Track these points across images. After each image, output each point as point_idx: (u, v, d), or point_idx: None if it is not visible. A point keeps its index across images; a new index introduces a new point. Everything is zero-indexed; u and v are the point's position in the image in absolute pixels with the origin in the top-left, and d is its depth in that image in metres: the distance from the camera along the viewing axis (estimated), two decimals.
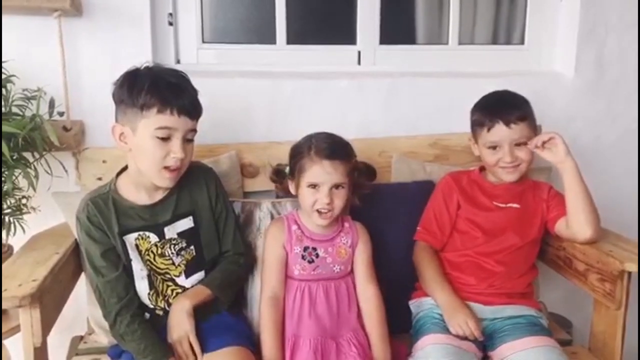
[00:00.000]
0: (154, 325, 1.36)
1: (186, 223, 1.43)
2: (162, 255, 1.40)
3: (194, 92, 1.36)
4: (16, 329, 1.41)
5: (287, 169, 1.51)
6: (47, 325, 1.30)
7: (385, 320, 1.46)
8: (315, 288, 1.45)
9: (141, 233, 1.38)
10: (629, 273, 1.39)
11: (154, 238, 1.39)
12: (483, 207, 1.58)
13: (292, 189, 1.49)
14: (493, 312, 1.49)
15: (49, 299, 1.29)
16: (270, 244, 1.48)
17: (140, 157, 1.33)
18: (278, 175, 1.55)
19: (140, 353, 1.30)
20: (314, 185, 1.41)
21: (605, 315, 1.47)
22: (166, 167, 1.32)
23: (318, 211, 1.42)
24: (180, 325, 1.33)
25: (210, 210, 1.47)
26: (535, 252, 1.61)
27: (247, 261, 1.52)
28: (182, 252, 1.42)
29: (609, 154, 2.08)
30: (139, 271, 1.38)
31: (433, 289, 1.50)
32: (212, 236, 1.47)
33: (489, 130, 1.54)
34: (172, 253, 1.41)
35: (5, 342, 1.50)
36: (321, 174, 1.40)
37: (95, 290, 1.37)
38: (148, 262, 1.39)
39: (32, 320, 1.24)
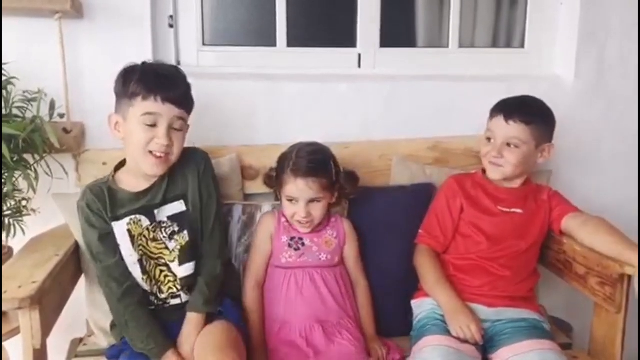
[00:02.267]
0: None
1: (177, 207, 1.45)
2: (154, 239, 1.42)
3: (183, 85, 1.40)
4: (16, 331, 1.41)
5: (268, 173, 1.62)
6: (46, 327, 1.30)
7: (373, 308, 1.57)
8: (302, 275, 1.51)
9: (133, 217, 1.41)
10: (629, 277, 1.39)
11: (145, 221, 1.42)
12: (487, 212, 1.58)
13: (278, 195, 1.59)
14: (495, 313, 1.48)
15: (49, 301, 1.29)
16: (259, 237, 1.58)
17: (129, 143, 1.38)
18: (269, 180, 1.63)
19: (144, 340, 1.33)
20: (291, 199, 1.51)
21: (606, 319, 1.47)
22: (151, 153, 1.36)
23: (298, 221, 1.52)
24: None
25: (199, 196, 1.47)
26: (537, 255, 1.61)
27: (224, 263, 1.50)
28: (175, 237, 1.44)
29: (609, 157, 2.08)
30: (129, 257, 1.41)
31: (435, 292, 1.50)
32: (208, 224, 1.49)
33: (491, 119, 1.58)
34: (164, 237, 1.43)
35: (4, 344, 1.50)
36: (295, 191, 1.49)
37: (100, 281, 1.42)
38: (141, 247, 1.41)
39: (31, 322, 1.24)
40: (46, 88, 1.58)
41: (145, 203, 1.42)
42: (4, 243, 1.55)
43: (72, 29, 1.64)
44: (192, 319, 1.40)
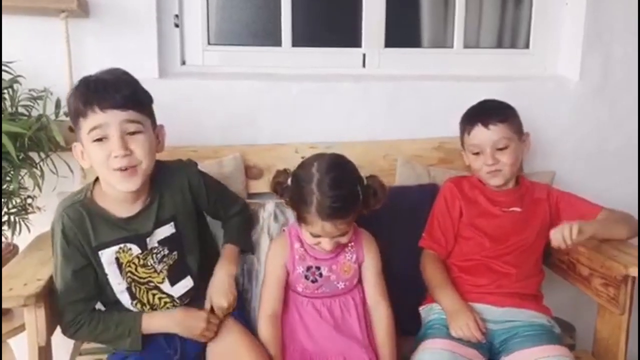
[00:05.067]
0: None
1: (167, 230, 1.36)
2: (144, 265, 1.34)
3: (124, 85, 1.23)
4: (21, 328, 1.42)
5: (287, 183, 1.40)
6: (51, 324, 1.31)
7: (395, 341, 1.44)
8: (320, 305, 1.45)
9: (122, 246, 1.31)
10: (633, 278, 1.39)
11: (136, 250, 1.32)
12: (487, 213, 1.59)
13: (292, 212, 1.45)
14: (504, 314, 1.47)
15: (54, 298, 1.30)
16: (272, 263, 1.46)
17: (95, 168, 1.26)
18: (278, 187, 1.42)
19: (114, 334, 1.30)
20: (317, 236, 1.37)
21: (609, 320, 1.47)
22: (116, 169, 1.22)
23: (324, 249, 1.39)
24: (231, 290, 1.37)
25: (194, 207, 1.40)
26: (541, 252, 1.60)
27: (245, 205, 1.58)
28: (165, 259, 1.36)
29: (613, 158, 2.07)
30: (117, 285, 1.33)
31: (438, 295, 1.50)
32: (195, 239, 1.41)
33: (469, 133, 1.58)
34: (154, 262, 1.35)
35: (9, 341, 1.51)
36: (321, 231, 1.34)
37: (59, 307, 1.30)
38: (129, 274, 1.33)
39: (37, 319, 1.24)
40: (52, 87, 1.58)
41: (136, 232, 1.31)
42: (9, 240, 1.56)
43: (78, 28, 1.65)
44: (229, 249, 1.44)
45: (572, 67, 2.03)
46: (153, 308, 1.36)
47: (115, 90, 1.21)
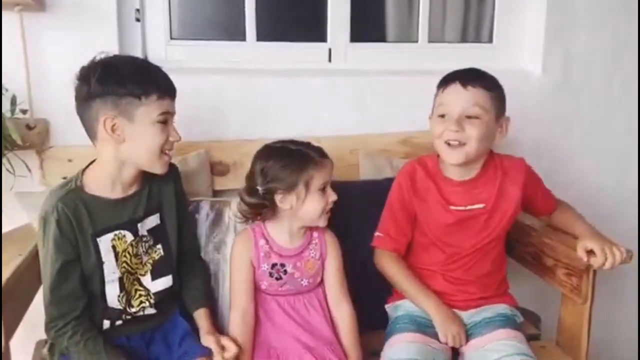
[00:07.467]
0: (114, 333, 1.34)
1: (154, 220, 1.40)
2: (136, 255, 1.36)
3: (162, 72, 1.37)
4: None
5: (263, 189, 1.40)
6: (9, 329, 1.27)
7: (359, 340, 1.45)
8: (284, 302, 1.45)
9: (117, 233, 1.32)
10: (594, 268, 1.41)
11: (129, 237, 1.34)
12: (439, 215, 1.48)
13: (287, 205, 1.40)
14: (470, 316, 1.48)
15: (12, 302, 1.26)
16: (237, 262, 1.45)
17: (138, 145, 1.29)
18: (252, 194, 1.41)
19: None
20: (323, 188, 1.42)
21: (573, 310, 1.50)
22: (165, 152, 1.33)
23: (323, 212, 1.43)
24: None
25: (176, 207, 1.44)
26: (503, 242, 1.55)
27: (203, 259, 1.56)
28: (150, 250, 1.39)
29: (577, 151, 2.11)
30: (111, 274, 1.32)
31: (420, 300, 1.45)
32: (176, 234, 1.44)
33: (443, 90, 1.43)
34: (143, 251, 1.37)
35: None
36: (326, 175, 1.42)
37: (44, 294, 1.30)
38: (125, 264, 1.34)
39: None
40: (7, 83, 1.53)
41: (128, 216, 1.34)
42: None
43: (34, 22, 1.59)
44: (206, 313, 1.42)
45: (534, 60, 2.06)
46: (127, 298, 1.35)
47: (171, 80, 1.34)
